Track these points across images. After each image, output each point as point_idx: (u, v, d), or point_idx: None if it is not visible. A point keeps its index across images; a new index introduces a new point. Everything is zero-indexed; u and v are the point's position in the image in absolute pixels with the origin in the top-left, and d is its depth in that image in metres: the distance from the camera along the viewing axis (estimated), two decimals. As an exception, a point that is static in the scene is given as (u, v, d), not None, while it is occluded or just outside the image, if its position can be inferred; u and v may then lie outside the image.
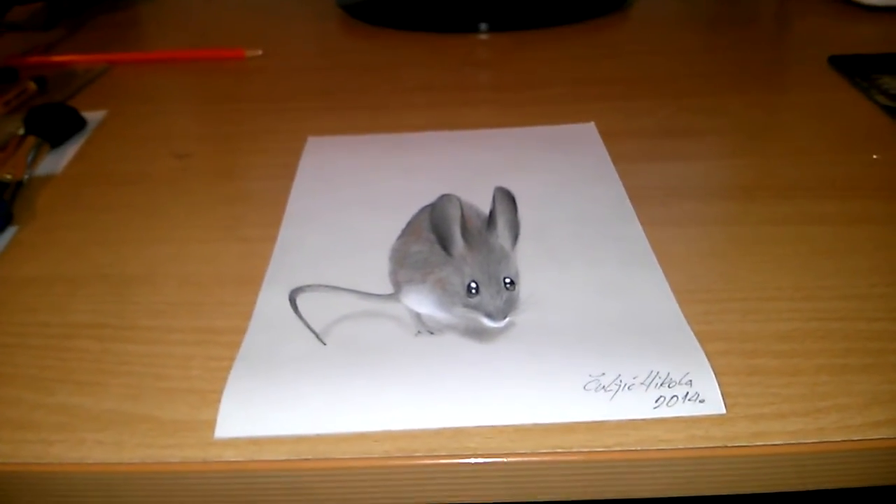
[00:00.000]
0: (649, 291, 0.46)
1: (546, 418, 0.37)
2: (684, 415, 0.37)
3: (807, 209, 0.54)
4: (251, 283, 0.47)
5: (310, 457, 0.36)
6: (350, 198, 0.58)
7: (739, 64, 0.82)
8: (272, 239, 0.53)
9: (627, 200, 0.56)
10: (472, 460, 0.36)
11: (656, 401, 0.37)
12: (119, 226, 0.56)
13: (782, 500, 0.44)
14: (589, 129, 0.67)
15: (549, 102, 0.74)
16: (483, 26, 0.93)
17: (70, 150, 0.69)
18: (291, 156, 0.64)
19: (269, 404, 0.38)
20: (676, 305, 0.45)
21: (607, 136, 0.65)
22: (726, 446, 0.36)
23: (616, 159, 0.61)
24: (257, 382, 0.39)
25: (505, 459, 0.36)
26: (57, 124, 0.70)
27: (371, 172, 0.62)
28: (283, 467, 0.36)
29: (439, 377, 0.39)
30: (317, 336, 0.42)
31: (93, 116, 0.74)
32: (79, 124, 0.72)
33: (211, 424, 0.37)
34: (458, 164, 0.62)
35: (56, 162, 0.67)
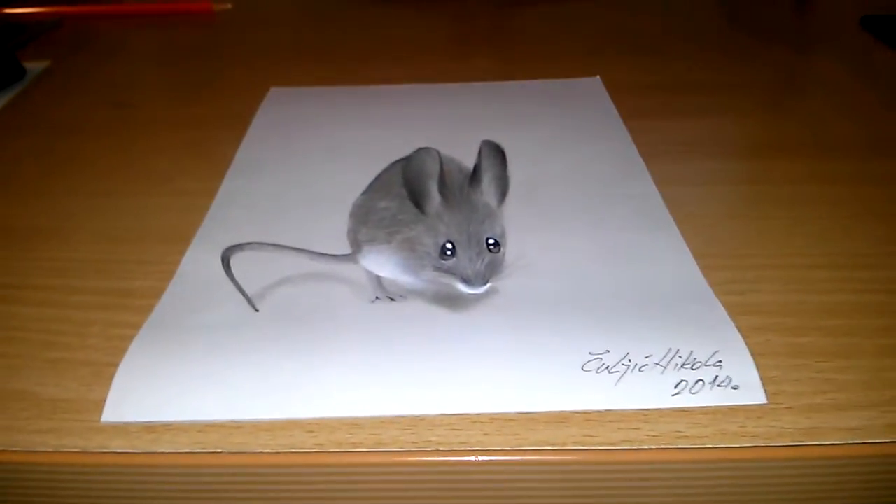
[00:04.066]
0: (665, 256, 0.38)
1: (532, 406, 0.30)
2: (713, 404, 0.30)
3: (854, 168, 0.47)
4: (181, 240, 0.41)
5: (220, 449, 0.29)
6: (309, 149, 0.51)
7: (762, 23, 0.75)
8: (213, 192, 0.45)
9: (638, 157, 0.48)
10: (434, 458, 0.28)
11: (676, 386, 0.30)
12: (36, 176, 0.49)
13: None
14: (594, 84, 0.60)
15: (550, 58, 0.66)
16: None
17: (1, 100, 0.60)
18: (250, 107, 0.57)
19: (175, 382, 0.31)
20: (699, 272, 0.37)
21: (615, 91, 0.58)
22: (769, 446, 0.28)
23: (625, 115, 0.54)
24: (163, 355, 0.33)
25: (477, 458, 0.29)
26: (-12, 71, 0.62)
27: (337, 124, 0.54)
28: (183, 462, 0.29)
29: (397, 352, 0.32)
30: (248, 301, 0.35)
31: (34, 66, 0.67)
32: (17, 73, 0.65)
33: (101, 405, 0.31)
34: (441, 117, 0.55)
35: (-17, 110, 0.59)
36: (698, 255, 0.38)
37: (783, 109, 0.55)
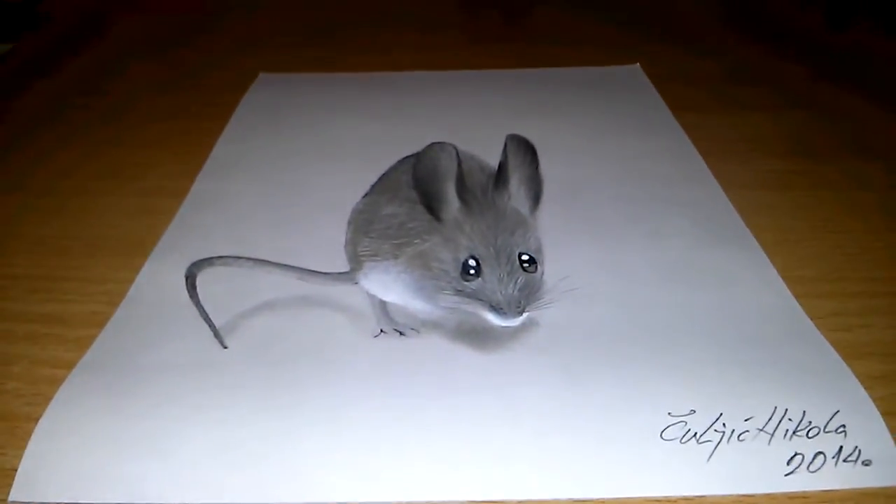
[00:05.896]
0: (747, 279, 0.33)
1: (595, 490, 0.24)
2: (840, 487, 0.24)
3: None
4: (137, 252, 0.36)
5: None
6: (300, 143, 0.46)
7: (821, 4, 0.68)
8: (183, 192, 0.40)
9: (697, 155, 0.43)
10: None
11: (789, 462, 0.24)
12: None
13: None
14: (634, 72, 0.54)
15: (579, 42, 0.61)
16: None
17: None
18: (235, 95, 0.52)
19: (109, 448, 0.26)
20: (794, 300, 0.31)
21: (658, 80, 0.53)
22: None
23: (674, 108, 0.49)
24: (97, 408, 0.27)
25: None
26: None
27: (335, 115, 0.49)
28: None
29: (409, 411, 0.27)
30: (215, 334, 0.31)
31: (-8, 50, 0.61)
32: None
33: (11, 477, 0.25)
34: (455, 108, 0.49)
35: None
36: (787, 279, 0.32)
37: (865, 105, 0.49)
